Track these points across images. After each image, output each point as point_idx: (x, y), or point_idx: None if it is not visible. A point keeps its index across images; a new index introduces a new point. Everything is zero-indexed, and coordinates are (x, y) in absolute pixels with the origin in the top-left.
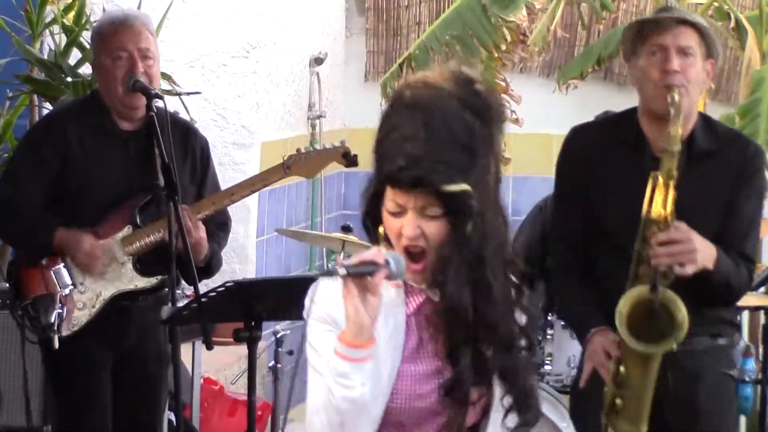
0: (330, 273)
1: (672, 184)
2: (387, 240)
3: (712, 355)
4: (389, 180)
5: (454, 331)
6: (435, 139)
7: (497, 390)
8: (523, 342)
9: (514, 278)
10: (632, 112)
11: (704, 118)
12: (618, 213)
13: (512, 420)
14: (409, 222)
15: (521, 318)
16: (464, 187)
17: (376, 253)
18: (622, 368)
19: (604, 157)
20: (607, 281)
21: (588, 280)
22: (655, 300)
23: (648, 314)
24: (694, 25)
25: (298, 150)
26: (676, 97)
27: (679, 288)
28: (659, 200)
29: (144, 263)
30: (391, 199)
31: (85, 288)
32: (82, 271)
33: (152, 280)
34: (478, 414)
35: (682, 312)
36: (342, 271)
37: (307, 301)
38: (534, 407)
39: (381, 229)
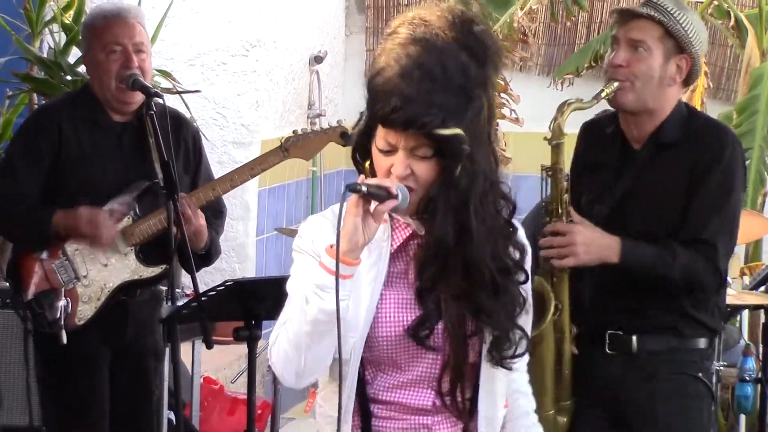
0: (354, 187)
1: (560, 175)
2: (373, 175)
3: (668, 356)
4: (381, 119)
5: (430, 267)
6: (429, 79)
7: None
8: (520, 277)
9: (504, 215)
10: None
11: (687, 112)
12: (586, 203)
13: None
14: (399, 161)
15: (515, 253)
16: (456, 131)
17: (391, 182)
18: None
19: (589, 149)
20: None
21: None
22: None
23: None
24: (655, 19)
25: (294, 131)
26: (605, 92)
27: (607, 280)
28: (552, 192)
29: (147, 253)
30: (382, 137)
31: (89, 281)
32: (91, 245)
33: (156, 270)
34: (476, 353)
35: (549, 298)
36: (363, 188)
37: (296, 237)
38: (518, 343)
39: (367, 164)
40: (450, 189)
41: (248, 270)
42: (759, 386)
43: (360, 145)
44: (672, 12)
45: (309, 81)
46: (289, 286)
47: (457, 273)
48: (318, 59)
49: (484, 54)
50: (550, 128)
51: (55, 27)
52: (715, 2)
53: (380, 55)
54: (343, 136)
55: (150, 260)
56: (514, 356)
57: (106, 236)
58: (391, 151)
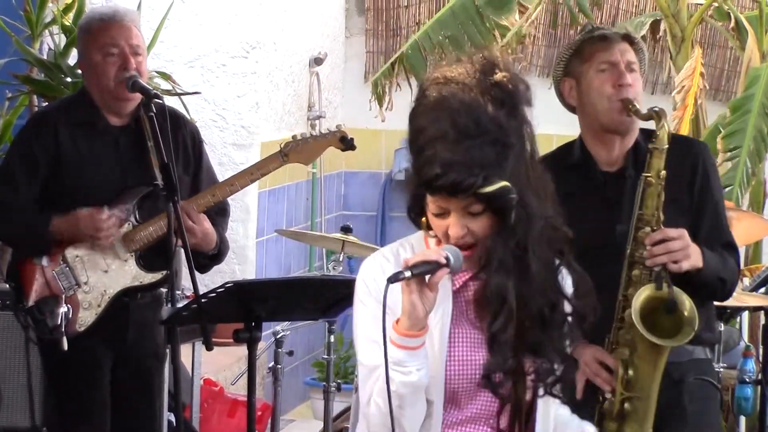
0: (397, 278)
1: (662, 183)
2: (430, 228)
3: (692, 365)
4: (427, 187)
5: (495, 319)
6: (465, 138)
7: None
8: (568, 309)
9: (557, 245)
10: (573, 140)
11: (646, 133)
12: (581, 230)
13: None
14: (454, 223)
15: (566, 285)
16: (502, 184)
17: (437, 251)
18: (630, 371)
19: (559, 180)
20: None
21: None
22: (669, 294)
23: (653, 317)
24: (633, 42)
25: (294, 137)
26: (637, 105)
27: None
28: (649, 201)
29: (147, 258)
30: (432, 202)
31: (90, 287)
32: (91, 246)
33: (157, 275)
34: (531, 389)
35: (689, 303)
36: (408, 273)
37: (358, 283)
38: (567, 378)
39: (424, 219)
40: (507, 239)
41: (248, 272)
42: (759, 388)
43: (413, 206)
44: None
45: (309, 83)
46: (362, 345)
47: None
48: (318, 61)
49: (512, 100)
50: (657, 134)
51: (55, 29)
52: (715, 4)
53: (415, 114)
54: (343, 141)
55: (150, 266)
56: (556, 381)
57: (106, 235)
58: (443, 214)
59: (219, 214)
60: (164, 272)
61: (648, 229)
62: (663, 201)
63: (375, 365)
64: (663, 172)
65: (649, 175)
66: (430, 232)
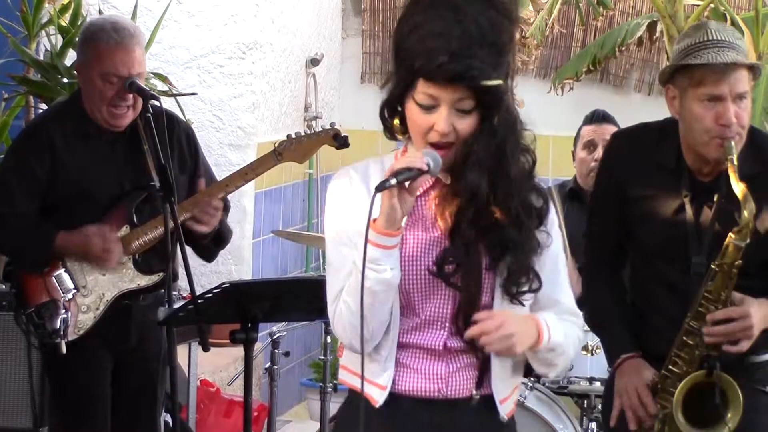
0: (384, 186)
1: (735, 272)
2: (403, 132)
3: (753, 372)
4: (427, 74)
5: (464, 213)
6: (467, 36)
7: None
8: (535, 221)
9: (527, 164)
10: (674, 131)
11: (752, 136)
12: (653, 236)
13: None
14: (442, 117)
15: (538, 201)
16: (499, 81)
17: (419, 157)
18: (666, 429)
19: (641, 175)
20: (642, 300)
21: (620, 293)
22: (716, 387)
23: (703, 392)
24: (749, 66)
25: (288, 136)
26: (735, 158)
27: None
28: (719, 283)
29: (144, 261)
30: (424, 92)
31: (88, 291)
32: (98, 266)
33: (154, 278)
34: (489, 290)
35: (736, 402)
36: (393, 181)
37: (328, 194)
38: (532, 280)
39: (396, 122)
40: (489, 139)
41: (245, 272)
42: None
43: (389, 104)
44: (743, 49)
45: (305, 83)
46: (329, 255)
47: (489, 215)
48: (314, 62)
49: (509, 9)
50: (741, 228)
51: (52, 29)
52: (712, 5)
53: (409, 16)
54: (336, 138)
55: (148, 268)
56: (528, 291)
57: (114, 257)
58: (433, 106)
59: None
60: (161, 274)
61: (712, 307)
62: (734, 283)
63: (342, 264)
64: (739, 262)
65: (722, 263)
66: (401, 146)
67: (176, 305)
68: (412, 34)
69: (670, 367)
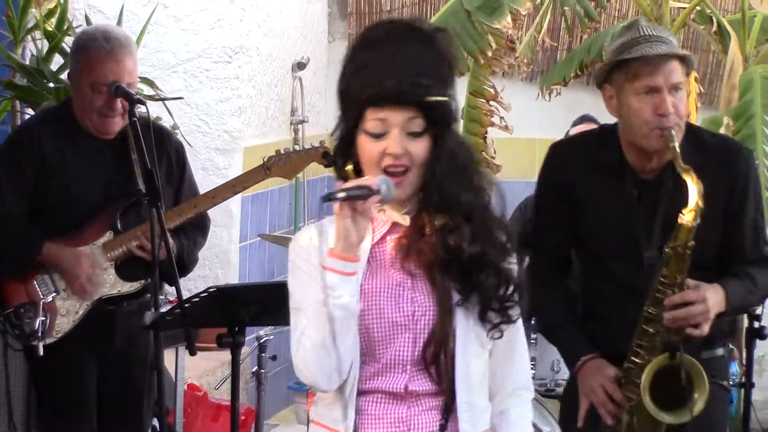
0: (330, 197)
1: (689, 253)
2: (359, 173)
3: (708, 366)
4: (374, 99)
5: (436, 248)
6: (412, 64)
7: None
8: (501, 254)
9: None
10: (613, 132)
11: (691, 131)
12: (605, 237)
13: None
14: (394, 140)
15: (501, 234)
16: (446, 97)
17: (371, 178)
18: (635, 419)
19: (587, 179)
20: (597, 303)
21: (570, 298)
22: (681, 368)
23: (667, 375)
24: (681, 58)
25: (277, 151)
26: (677, 145)
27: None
28: (674, 266)
29: (126, 268)
30: (373, 118)
31: (68, 295)
32: (76, 292)
33: (135, 285)
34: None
35: (701, 383)
36: (341, 194)
37: (291, 250)
38: (503, 312)
39: (349, 167)
40: (447, 157)
41: (231, 276)
42: (742, 391)
43: (341, 149)
44: (673, 42)
45: (292, 87)
46: (292, 297)
47: (455, 250)
48: (300, 66)
49: (448, 51)
50: (692, 210)
51: (38, 34)
52: (698, 8)
53: (353, 57)
54: (326, 156)
55: (129, 275)
56: (502, 322)
57: (92, 286)
58: (383, 133)
59: (197, 228)
60: (143, 281)
61: (669, 291)
62: (688, 265)
63: (301, 304)
64: (692, 243)
65: (675, 245)
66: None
67: (163, 309)
68: (359, 71)
69: (633, 358)
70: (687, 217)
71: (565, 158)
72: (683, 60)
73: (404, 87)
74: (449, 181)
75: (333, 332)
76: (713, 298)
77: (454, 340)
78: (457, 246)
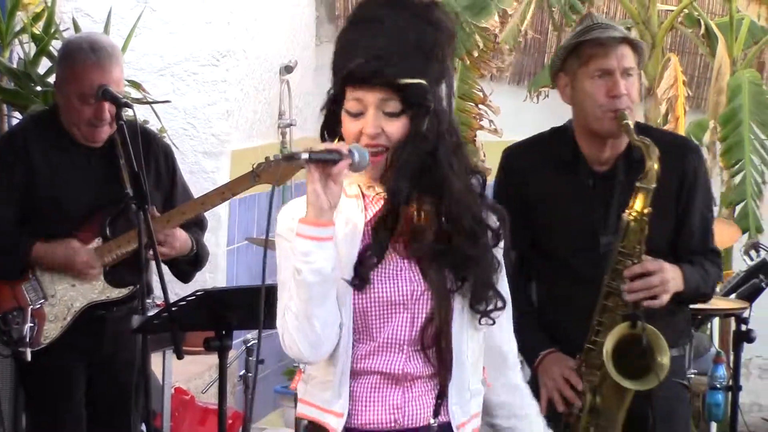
0: (292, 157)
1: (646, 220)
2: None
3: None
4: (349, 77)
5: (386, 215)
6: (389, 41)
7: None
8: (492, 240)
9: (476, 185)
10: (566, 128)
11: (641, 128)
12: (562, 231)
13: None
14: (369, 119)
15: (492, 218)
16: (421, 81)
17: (342, 144)
18: (598, 398)
19: (541, 178)
20: (556, 302)
21: (527, 301)
22: (642, 335)
23: (628, 348)
24: (631, 43)
25: (267, 158)
26: (630, 123)
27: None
28: (632, 236)
29: (115, 274)
30: (351, 98)
31: (56, 300)
32: (77, 279)
33: (124, 291)
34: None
35: (663, 348)
36: (305, 155)
37: (278, 224)
38: (494, 300)
39: (336, 142)
40: (417, 142)
41: (219, 280)
42: (730, 394)
43: (327, 125)
44: (626, 32)
45: (279, 91)
46: (279, 272)
47: (433, 228)
48: (288, 69)
49: (438, 19)
50: (647, 174)
51: (25, 38)
52: (686, 10)
53: (341, 36)
54: None
55: (119, 281)
56: (494, 309)
57: (95, 275)
58: (360, 113)
59: (195, 224)
60: (131, 287)
61: (628, 262)
62: (646, 235)
63: (285, 278)
64: (648, 210)
65: (632, 212)
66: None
67: (150, 313)
68: (342, 48)
69: (594, 338)
70: (643, 182)
71: (517, 161)
72: (635, 48)
73: (375, 66)
74: (407, 168)
75: (309, 299)
76: (672, 271)
77: (450, 322)
78: (450, 231)
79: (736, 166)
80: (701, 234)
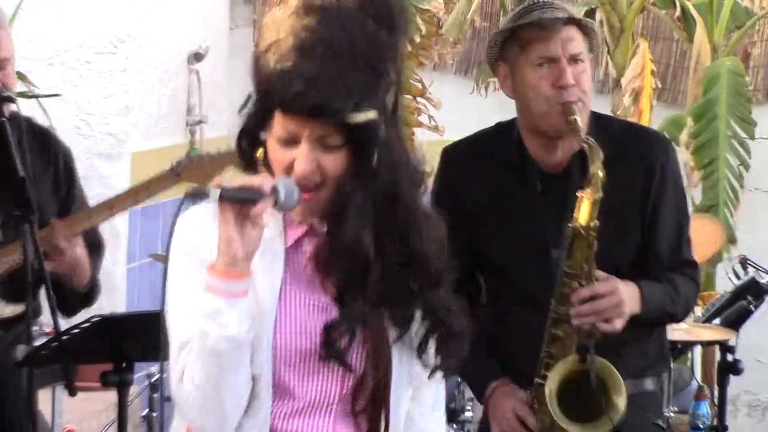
0: (198, 194)
1: (593, 234)
2: (266, 165)
3: (636, 403)
4: (282, 106)
5: (348, 274)
6: (334, 55)
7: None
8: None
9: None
10: (511, 125)
11: (595, 118)
12: (508, 242)
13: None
14: (303, 155)
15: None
16: (371, 115)
17: (264, 178)
18: None
19: (482, 181)
20: (504, 324)
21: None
22: (591, 371)
23: (579, 385)
24: (579, 24)
25: (187, 154)
26: (578, 119)
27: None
28: (578, 253)
29: (9, 288)
30: (282, 125)
31: None
32: None
33: (20, 307)
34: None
35: (617, 386)
36: (215, 192)
37: (172, 244)
38: (457, 353)
39: (260, 153)
40: (368, 182)
41: (118, 304)
42: None
43: (247, 132)
44: (575, 11)
45: (188, 82)
46: (175, 312)
47: (384, 278)
48: (198, 57)
49: (392, 19)
50: (590, 181)
51: None
52: None
53: (269, 27)
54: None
55: (14, 296)
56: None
57: None
58: (293, 142)
59: (92, 249)
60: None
61: (575, 284)
62: (595, 252)
63: (190, 337)
64: (595, 223)
65: (576, 225)
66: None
67: (38, 342)
68: (269, 50)
69: (543, 371)
70: (588, 191)
71: (457, 161)
72: (584, 30)
73: (316, 99)
74: (357, 213)
75: (218, 370)
76: (626, 291)
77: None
78: (406, 274)
79: (709, 167)
80: (673, 243)
